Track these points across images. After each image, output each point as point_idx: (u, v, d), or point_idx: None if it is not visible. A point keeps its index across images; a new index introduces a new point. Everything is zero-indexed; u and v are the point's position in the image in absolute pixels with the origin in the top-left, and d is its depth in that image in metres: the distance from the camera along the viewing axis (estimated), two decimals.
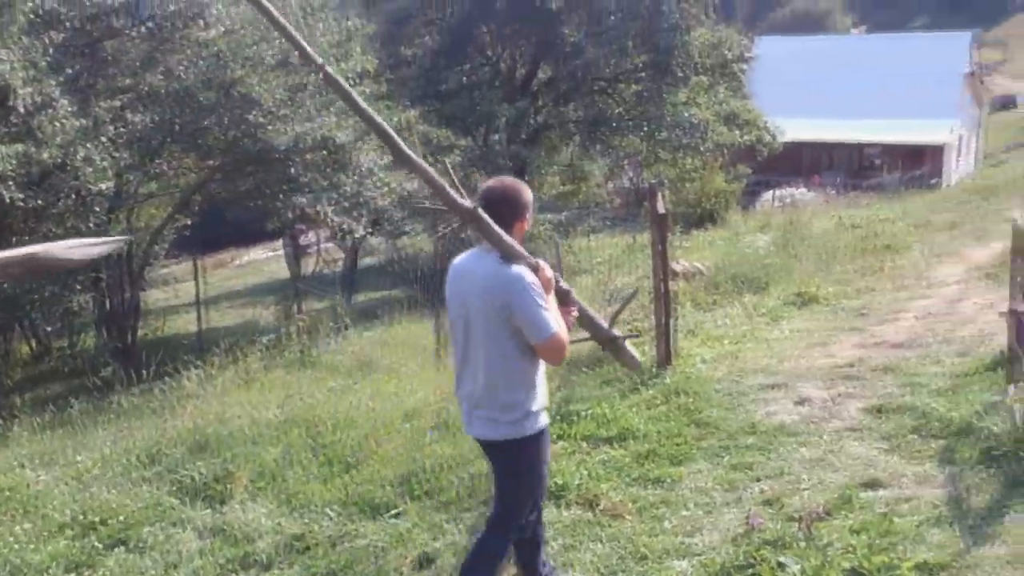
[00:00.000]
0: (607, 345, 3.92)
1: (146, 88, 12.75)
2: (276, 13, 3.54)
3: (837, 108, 31.51)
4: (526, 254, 3.45)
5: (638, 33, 21.47)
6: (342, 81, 3.76)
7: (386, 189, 14.15)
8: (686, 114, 22.12)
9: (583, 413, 6.03)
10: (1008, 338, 5.96)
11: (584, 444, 5.60)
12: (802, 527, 4.20)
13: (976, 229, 14.94)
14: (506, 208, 3.47)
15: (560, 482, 4.97)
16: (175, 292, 17.45)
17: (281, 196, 13.95)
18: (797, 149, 27.87)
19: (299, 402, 6.77)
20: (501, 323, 3.40)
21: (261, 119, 12.56)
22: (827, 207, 18.91)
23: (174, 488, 5.51)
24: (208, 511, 5.17)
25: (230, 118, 12.52)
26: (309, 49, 3.60)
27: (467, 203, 3.40)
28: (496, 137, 22.15)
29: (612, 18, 21.01)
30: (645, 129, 22.34)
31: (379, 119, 3.62)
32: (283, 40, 13.20)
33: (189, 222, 15.90)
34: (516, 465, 3.60)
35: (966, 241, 13.81)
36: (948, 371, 6.69)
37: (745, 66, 25.53)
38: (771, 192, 25.77)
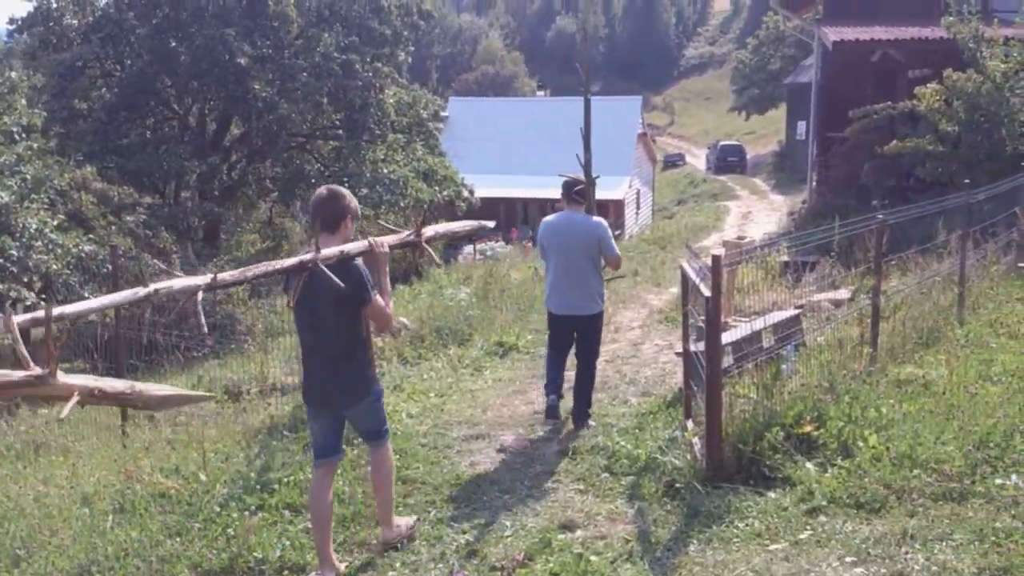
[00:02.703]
0: None
1: None
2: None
3: (526, 166, 33.33)
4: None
5: (331, 91, 21.47)
6: None
7: (58, 252, 12.87)
8: (385, 171, 22.36)
9: (284, 480, 5.75)
10: (683, 376, 6.46)
11: (286, 513, 5.32)
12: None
13: (654, 276, 16.28)
14: (583, 188, 6.76)
15: (259, 556, 4.68)
16: None
17: None
18: (493, 204, 29.02)
19: None
20: (592, 248, 6.59)
21: None
22: (523, 259, 19.79)
23: None
24: None
25: None
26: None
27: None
28: (186, 195, 21.13)
29: (304, 75, 20.85)
30: (345, 186, 22.24)
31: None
32: None
33: None
34: (597, 325, 6.80)
35: (646, 287, 14.99)
36: (634, 411, 7.15)
37: (440, 125, 26.33)
38: (471, 246, 26.58)
